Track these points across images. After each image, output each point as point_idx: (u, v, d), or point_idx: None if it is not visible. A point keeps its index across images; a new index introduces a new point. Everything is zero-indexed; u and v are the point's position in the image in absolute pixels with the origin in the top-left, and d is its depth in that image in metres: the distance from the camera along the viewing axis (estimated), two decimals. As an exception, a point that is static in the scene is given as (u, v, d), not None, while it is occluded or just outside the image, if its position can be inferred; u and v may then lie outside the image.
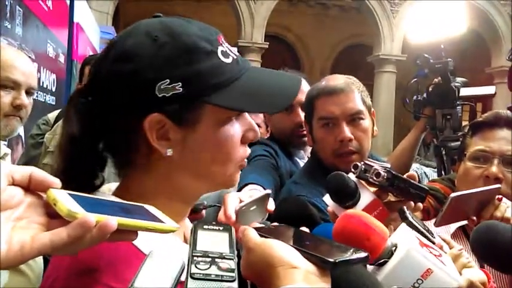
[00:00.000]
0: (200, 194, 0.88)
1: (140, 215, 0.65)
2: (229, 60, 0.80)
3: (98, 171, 0.82)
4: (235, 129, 0.82)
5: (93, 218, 0.55)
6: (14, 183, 0.56)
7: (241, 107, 0.79)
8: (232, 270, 0.57)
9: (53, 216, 0.58)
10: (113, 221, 0.56)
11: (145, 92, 0.74)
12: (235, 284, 0.55)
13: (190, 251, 0.59)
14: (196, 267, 0.56)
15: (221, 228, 0.66)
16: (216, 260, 0.58)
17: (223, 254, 0.59)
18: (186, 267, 0.59)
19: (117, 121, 0.78)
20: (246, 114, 0.85)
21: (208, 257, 0.58)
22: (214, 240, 0.62)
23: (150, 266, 0.58)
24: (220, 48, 0.79)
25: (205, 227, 0.65)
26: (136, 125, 0.76)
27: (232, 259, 0.59)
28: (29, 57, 1.79)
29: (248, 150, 0.87)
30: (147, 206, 0.70)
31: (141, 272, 0.57)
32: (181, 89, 0.74)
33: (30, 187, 0.58)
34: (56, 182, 0.59)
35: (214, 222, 0.70)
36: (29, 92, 1.73)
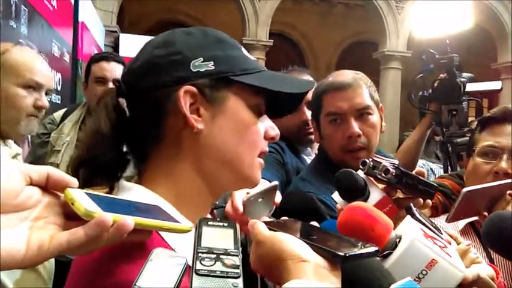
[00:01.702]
0: (224, 185, 0.89)
1: (156, 215, 0.66)
2: (252, 57, 0.89)
3: (118, 170, 0.85)
4: (259, 119, 0.86)
5: (110, 217, 0.56)
6: (31, 183, 0.57)
7: (268, 86, 0.84)
8: (237, 267, 0.56)
9: (70, 216, 0.59)
10: (130, 221, 0.58)
11: (181, 67, 0.80)
12: (240, 281, 0.54)
13: (195, 247, 0.59)
14: (201, 263, 0.55)
15: (226, 224, 0.66)
16: (221, 256, 0.57)
17: (228, 251, 0.59)
18: (189, 264, 0.59)
19: (150, 101, 0.81)
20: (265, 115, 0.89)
21: (213, 253, 0.58)
22: (219, 237, 0.62)
23: (153, 265, 0.58)
24: (243, 49, 0.89)
25: (210, 223, 0.65)
26: (170, 99, 0.80)
27: (237, 255, 0.59)
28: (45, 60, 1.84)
29: (267, 147, 0.90)
30: (161, 205, 0.71)
31: (144, 271, 0.57)
32: (213, 66, 0.81)
33: (48, 187, 0.59)
34: (73, 181, 0.60)
35: (218, 219, 0.70)
36: (46, 93, 1.79)
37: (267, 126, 0.88)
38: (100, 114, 0.82)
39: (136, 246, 0.67)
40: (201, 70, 0.80)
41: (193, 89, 0.79)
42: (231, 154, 0.84)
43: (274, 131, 0.89)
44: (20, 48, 1.77)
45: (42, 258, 0.54)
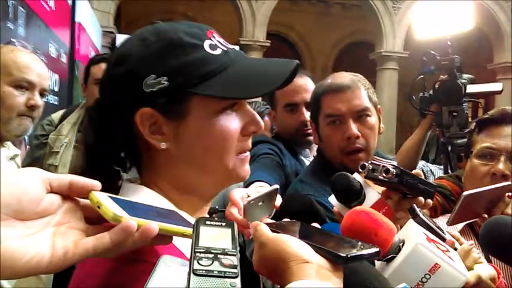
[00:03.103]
0: (211, 190, 0.89)
1: (176, 220, 0.66)
2: (217, 52, 0.81)
3: (116, 175, 0.85)
4: (231, 120, 0.82)
5: (135, 222, 0.57)
6: (51, 191, 0.58)
7: (225, 94, 0.79)
8: (235, 267, 0.56)
9: (89, 221, 0.60)
10: (155, 226, 0.59)
11: (134, 89, 0.77)
12: (238, 280, 0.54)
13: (192, 247, 0.58)
14: (198, 263, 0.55)
15: (223, 224, 0.66)
16: (219, 256, 0.57)
17: (226, 250, 0.58)
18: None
19: (118, 122, 0.81)
20: (247, 106, 0.86)
21: (211, 253, 0.57)
22: (216, 236, 0.62)
23: (162, 269, 0.58)
24: (207, 42, 0.81)
25: (208, 222, 0.64)
26: (132, 123, 0.79)
27: (235, 255, 0.58)
28: (42, 60, 1.82)
29: (249, 143, 0.87)
30: (179, 212, 0.72)
31: (155, 275, 0.57)
32: (166, 82, 0.77)
33: (71, 194, 0.60)
34: (97, 184, 0.61)
35: (216, 218, 0.70)
36: (41, 94, 1.77)
37: (246, 121, 0.84)
38: (87, 125, 0.85)
39: (142, 251, 0.67)
40: (153, 89, 0.76)
41: (149, 110, 0.78)
42: (203, 165, 0.83)
43: (255, 125, 0.85)
44: (12, 48, 1.76)
45: (68, 263, 0.55)
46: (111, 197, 0.60)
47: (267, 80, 0.82)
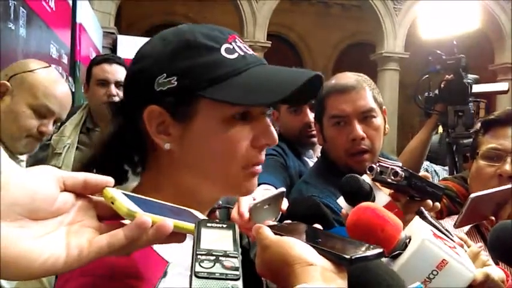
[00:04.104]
0: (211, 198, 0.87)
1: (189, 218, 0.65)
2: (232, 56, 0.79)
3: (123, 175, 0.85)
4: (240, 129, 0.79)
5: (149, 218, 0.56)
6: (65, 189, 0.57)
7: (233, 100, 0.76)
8: (236, 269, 0.55)
9: (102, 219, 0.60)
10: (170, 223, 0.58)
11: (146, 87, 0.78)
12: (240, 283, 0.54)
13: (193, 249, 0.58)
14: (200, 265, 0.55)
15: (224, 225, 0.65)
16: (220, 258, 0.56)
17: (227, 252, 0.58)
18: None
19: (129, 120, 0.82)
20: (264, 116, 0.82)
21: (212, 255, 0.57)
22: (217, 238, 0.61)
23: (172, 272, 0.58)
24: (225, 46, 0.79)
25: (209, 224, 0.64)
26: (140, 121, 0.79)
27: (237, 257, 0.58)
28: (71, 89, 1.82)
29: (261, 156, 0.82)
30: (193, 211, 0.71)
31: (164, 277, 0.58)
32: (176, 82, 0.76)
33: (84, 192, 0.59)
34: (110, 180, 0.60)
35: (217, 220, 0.69)
36: (55, 121, 1.78)
37: (258, 132, 0.80)
38: (109, 120, 0.85)
39: (121, 270, 0.67)
40: (163, 89, 0.76)
41: (158, 108, 0.78)
42: (205, 171, 0.81)
43: (267, 139, 0.80)
44: (47, 71, 1.76)
45: (83, 262, 0.54)
46: (124, 194, 0.60)
47: (279, 87, 0.77)
